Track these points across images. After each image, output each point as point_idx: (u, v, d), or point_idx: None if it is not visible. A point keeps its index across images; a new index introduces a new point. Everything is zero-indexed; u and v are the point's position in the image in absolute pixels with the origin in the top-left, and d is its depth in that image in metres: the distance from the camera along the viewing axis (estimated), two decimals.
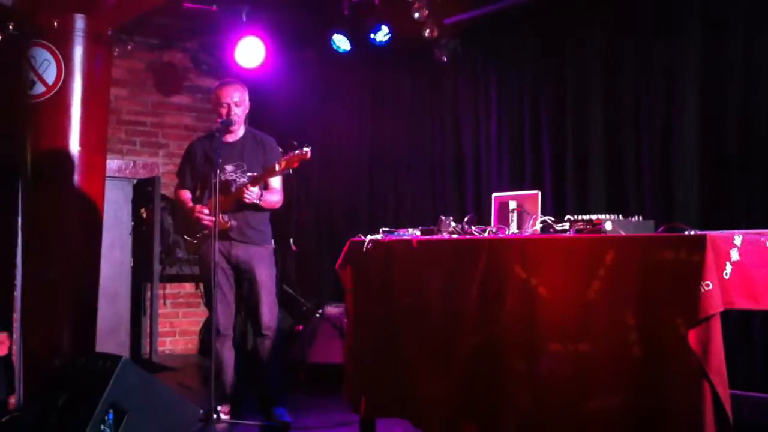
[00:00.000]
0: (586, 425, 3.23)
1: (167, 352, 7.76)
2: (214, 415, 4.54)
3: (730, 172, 4.68)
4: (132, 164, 7.59)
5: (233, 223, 4.77)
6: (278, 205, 4.91)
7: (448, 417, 3.86)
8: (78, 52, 5.36)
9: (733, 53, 4.70)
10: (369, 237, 4.43)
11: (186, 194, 5.00)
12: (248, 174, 4.79)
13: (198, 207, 4.84)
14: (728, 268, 2.92)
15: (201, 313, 7.76)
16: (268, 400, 4.82)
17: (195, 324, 7.93)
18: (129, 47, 7.14)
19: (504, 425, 3.57)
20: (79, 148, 5.35)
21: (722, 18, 4.78)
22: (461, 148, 6.43)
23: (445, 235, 4.11)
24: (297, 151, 4.60)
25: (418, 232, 4.30)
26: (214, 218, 4.63)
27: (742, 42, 4.67)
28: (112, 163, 6.82)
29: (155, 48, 7.87)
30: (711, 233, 2.98)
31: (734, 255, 2.95)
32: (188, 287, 7.86)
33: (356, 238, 4.51)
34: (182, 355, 7.73)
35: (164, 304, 7.50)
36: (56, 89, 5.30)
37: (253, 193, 4.69)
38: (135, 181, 7.34)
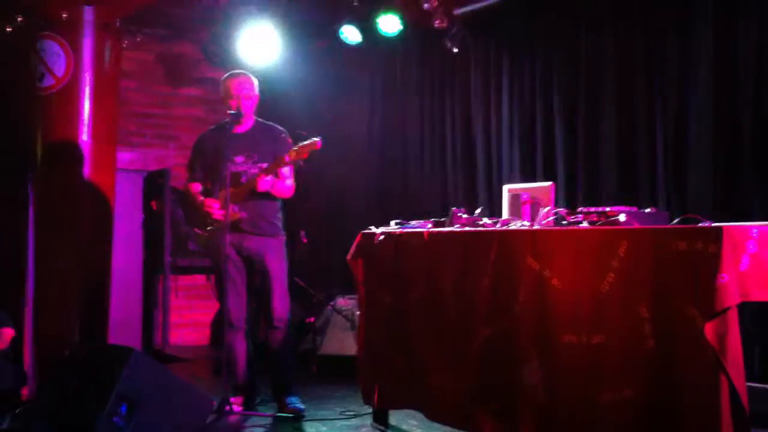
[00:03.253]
0: (600, 417, 3.23)
1: (179, 343, 7.76)
2: (227, 407, 4.54)
3: (745, 162, 4.64)
4: (142, 156, 7.59)
5: (243, 214, 4.76)
6: (290, 193, 4.89)
7: (462, 409, 3.86)
8: (87, 44, 5.36)
9: (748, 42, 4.66)
10: (381, 229, 4.42)
11: (196, 187, 4.98)
12: (259, 164, 4.78)
13: (208, 201, 4.82)
14: (745, 260, 2.90)
15: (213, 305, 7.73)
16: (280, 390, 4.82)
17: (207, 316, 7.92)
18: (138, 39, 7.12)
19: (519, 417, 3.57)
20: (90, 140, 5.36)
21: (736, 6, 4.73)
22: (472, 138, 6.41)
23: (457, 228, 4.10)
24: (307, 142, 4.59)
25: (429, 225, 4.29)
26: (224, 211, 4.62)
27: (757, 30, 4.62)
28: (123, 155, 6.79)
29: (165, 39, 7.84)
30: (727, 225, 2.96)
31: (751, 247, 2.93)
32: (200, 279, 7.85)
33: (367, 231, 4.51)
34: (194, 347, 7.73)
35: (176, 295, 7.50)
36: (66, 81, 5.30)
37: (267, 181, 4.68)
38: (146, 173, 7.33)
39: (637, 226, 3.33)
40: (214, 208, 4.77)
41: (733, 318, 2.87)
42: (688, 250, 2.98)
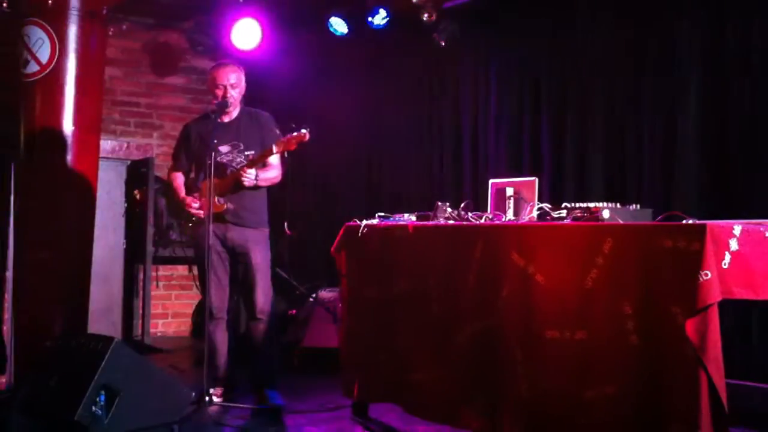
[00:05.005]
0: (583, 413, 3.24)
1: (159, 334, 7.73)
2: (207, 398, 4.52)
3: (730, 161, 4.66)
4: (126, 145, 7.54)
5: (230, 205, 4.73)
6: (277, 180, 4.88)
7: (445, 404, 3.86)
8: (72, 31, 5.31)
9: (736, 39, 4.67)
10: (364, 222, 4.41)
11: (178, 178, 4.96)
12: (246, 153, 4.75)
13: (189, 199, 4.81)
14: (727, 257, 2.92)
15: (194, 296, 7.73)
16: (261, 383, 4.81)
17: (188, 306, 7.91)
18: (124, 27, 7.06)
19: (502, 412, 3.57)
20: (73, 128, 5.31)
21: (724, 4, 4.74)
22: (459, 132, 6.40)
23: (442, 221, 4.10)
24: (295, 133, 4.57)
25: (413, 218, 4.28)
26: (205, 206, 4.60)
27: (744, 28, 4.63)
28: (106, 144, 6.77)
29: (151, 28, 7.80)
30: (710, 222, 2.97)
31: (733, 245, 2.94)
32: (181, 269, 7.82)
33: (351, 223, 4.49)
34: (174, 338, 7.71)
35: (157, 286, 7.46)
36: (50, 68, 5.25)
37: (251, 176, 4.66)
38: (129, 162, 7.29)
39: (621, 222, 3.34)
40: (193, 207, 4.76)
41: (713, 315, 2.88)
42: (671, 247, 2.99)
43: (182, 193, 4.90)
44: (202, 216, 4.68)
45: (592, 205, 3.54)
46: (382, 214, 4.46)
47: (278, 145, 4.61)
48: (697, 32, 4.85)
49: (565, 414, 3.31)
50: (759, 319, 4.48)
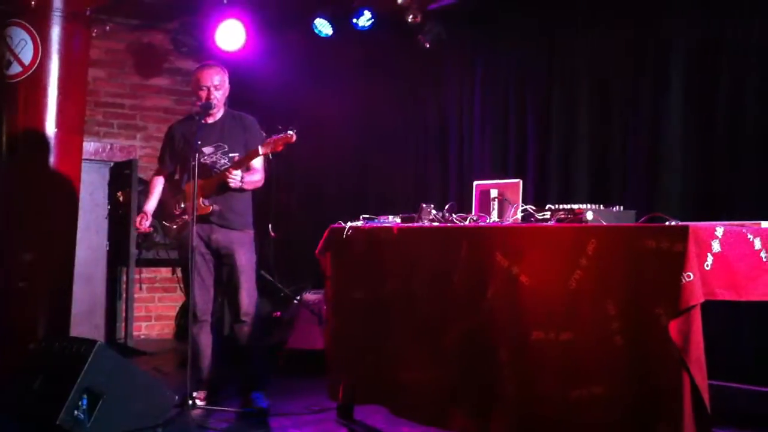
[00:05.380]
0: (570, 413, 3.25)
1: (142, 336, 7.70)
2: (190, 401, 4.50)
3: (714, 162, 4.69)
4: (109, 147, 7.49)
5: (215, 207, 4.72)
6: (260, 184, 4.87)
7: (432, 405, 3.86)
8: (55, 32, 5.28)
9: (722, 40, 4.70)
10: (349, 224, 4.41)
11: (156, 185, 4.96)
12: (230, 155, 4.74)
13: (138, 217, 4.87)
14: (709, 259, 2.94)
15: (177, 298, 7.71)
16: (245, 386, 4.79)
17: (171, 309, 7.88)
18: (108, 28, 7.03)
19: (490, 413, 3.57)
20: (56, 130, 5.28)
21: (710, 4, 4.77)
22: (444, 134, 6.41)
23: (426, 223, 4.10)
24: (282, 135, 4.56)
25: (398, 220, 4.28)
26: (189, 208, 4.60)
27: (731, 28, 4.67)
28: (89, 146, 6.72)
29: (135, 29, 7.77)
30: (693, 224, 2.99)
31: (716, 246, 2.96)
32: (165, 272, 7.80)
33: (336, 225, 4.49)
34: (158, 340, 7.68)
35: (140, 288, 7.43)
36: (33, 69, 5.22)
37: (236, 177, 4.65)
38: (112, 164, 7.24)
39: (604, 224, 3.35)
40: (139, 227, 4.86)
41: (696, 316, 2.90)
42: (655, 248, 3.00)
43: (148, 203, 4.92)
44: (187, 218, 4.67)
45: (575, 206, 3.55)
46: (367, 216, 4.46)
47: (264, 146, 4.60)
48: (686, 30, 4.87)
49: (552, 415, 3.31)
50: (741, 321, 4.50)
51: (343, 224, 4.44)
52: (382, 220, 4.35)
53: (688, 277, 2.87)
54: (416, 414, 4.03)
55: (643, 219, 3.39)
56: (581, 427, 3.23)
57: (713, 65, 4.73)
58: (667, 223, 3.12)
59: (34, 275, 5.18)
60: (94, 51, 6.37)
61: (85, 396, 3.84)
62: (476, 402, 3.66)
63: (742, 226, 3.13)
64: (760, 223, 3.15)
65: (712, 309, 3.06)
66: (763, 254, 3.06)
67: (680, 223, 3.06)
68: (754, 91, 4.56)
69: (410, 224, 4.16)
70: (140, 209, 5.02)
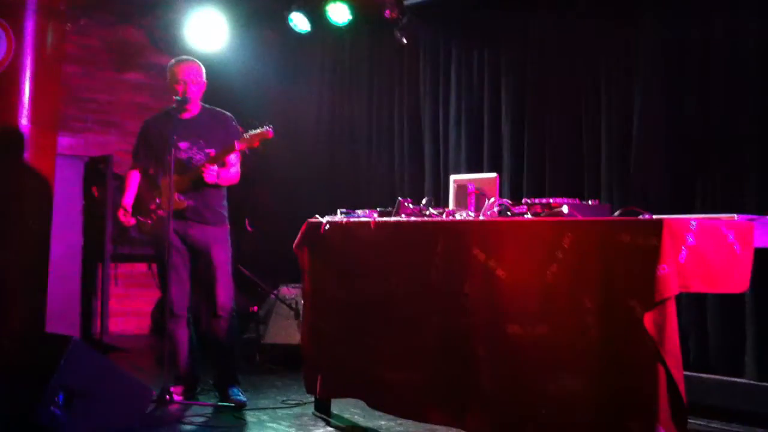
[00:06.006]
0: (547, 407, 3.27)
1: (118, 332, 7.64)
2: (168, 396, 4.48)
3: (688, 156, 4.74)
4: (84, 142, 7.44)
5: (190, 202, 4.70)
6: (236, 180, 4.86)
7: (409, 398, 3.88)
8: (29, 27, 5.22)
9: (694, 36, 4.75)
10: (326, 218, 4.41)
11: (132, 179, 4.93)
12: (206, 150, 4.73)
13: (120, 212, 4.82)
14: (684, 252, 2.97)
15: (153, 294, 7.62)
16: (223, 380, 4.78)
17: (147, 304, 7.81)
18: (83, 23, 6.97)
19: (468, 407, 3.59)
20: (30, 125, 5.22)
21: (684, 2, 4.82)
22: (420, 129, 6.43)
23: (403, 218, 4.11)
24: (259, 131, 4.56)
25: (375, 214, 4.29)
26: (165, 203, 4.57)
27: (702, 24, 4.71)
28: (63, 141, 6.66)
29: (110, 24, 7.69)
30: (667, 217, 3.02)
31: (690, 239, 2.99)
32: (140, 267, 7.72)
33: (313, 219, 4.49)
34: (134, 336, 7.62)
35: (116, 284, 7.36)
36: (6, 64, 5.15)
37: (213, 172, 4.63)
38: (87, 159, 7.18)
39: (580, 218, 3.38)
40: (122, 219, 4.84)
41: (671, 309, 2.92)
42: (630, 242, 3.03)
43: (126, 197, 4.90)
44: (162, 214, 4.65)
45: (552, 200, 3.58)
46: (344, 210, 4.46)
47: (241, 142, 4.60)
48: (658, 24, 4.91)
49: (529, 408, 3.33)
50: (714, 312, 4.56)
51: (320, 218, 4.44)
52: (359, 215, 4.36)
53: (663, 269, 2.89)
54: (394, 407, 4.05)
55: (618, 213, 3.42)
56: (558, 420, 3.25)
57: (684, 60, 4.77)
58: (641, 216, 3.15)
59: (7, 272, 5.13)
60: (69, 46, 6.31)
61: (61, 392, 3.81)
62: (453, 395, 3.67)
63: (716, 219, 3.17)
64: (733, 216, 3.19)
65: (679, 301, 3.08)
66: (736, 247, 3.09)
67: (655, 217, 3.09)
68: (722, 87, 4.61)
69: (388, 218, 4.16)
70: (117, 205, 4.99)
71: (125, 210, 4.86)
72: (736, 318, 4.46)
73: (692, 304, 4.53)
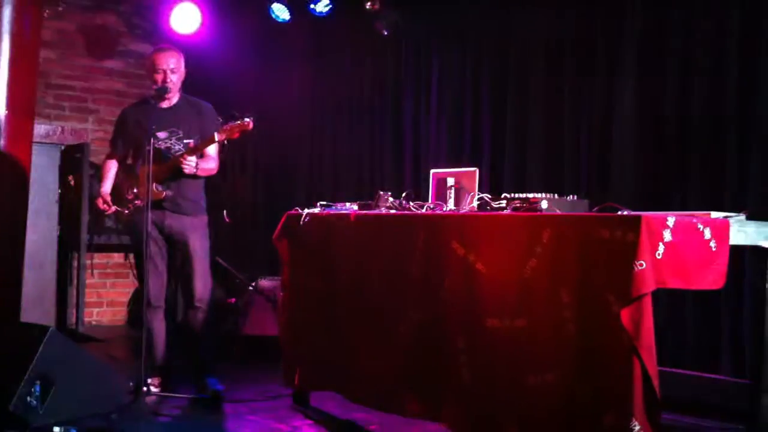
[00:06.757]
0: (524, 400, 3.29)
1: (94, 323, 7.60)
2: (144, 388, 4.46)
3: (666, 153, 4.78)
4: (60, 130, 7.36)
5: (168, 193, 4.68)
6: (214, 172, 4.84)
7: (386, 391, 3.88)
8: (6, 12, 5.13)
9: (672, 34, 4.78)
10: (306, 210, 4.40)
11: (110, 168, 4.90)
12: (185, 140, 4.70)
13: (99, 200, 4.81)
14: (661, 248, 2.99)
15: (129, 284, 7.62)
16: (200, 371, 4.77)
17: (123, 295, 7.79)
18: (60, 8, 6.89)
19: (444, 400, 3.61)
20: (6, 112, 5.15)
21: (665, 2, 4.85)
22: (401, 122, 6.43)
23: (384, 211, 4.11)
24: (238, 122, 4.54)
25: (355, 207, 4.29)
26: (143, 193, 4.55)
27: (681, 22, 4.74)
28: (39, 128, 6.58)
29: (87, 10, 7.62)
30: (645, 213, 3.04)
31: (667, 235, 3.01)
32: (117, 257, 7.70)
33: (293, 211, 4.48)
34: (110, 326, 7.59)
35: (92, 274, 7.32)
36: None
37: (191, 163, 4.60)
38: (63, 147, 7.12)
39: (559, 213, 3.40)
40: (105, 206, 4.80)
41: (647, 304, 2.95)
42: (608, 237, 3.05)
43: (104, 185, 4.87)
44: (140, 203, 4.63)
45: (531, 195, 3.60)
46: (324, 202, 4.46)
47: (221, 132, 4.58)
48: (637, 22, 4.94)
49: (507, 401, 3.35)
50: (691, 308, 4.61)
51: (300, 210, 4.43)
52: (339, 207, 4.35)
53: (641, 265, 2.91)
54: (370, 400, 4.06)
55: (596, 209, 3.44)
56: (536, 413, 3.27)
57: (663, 58, 4.81)
58: (620, 212, 3.17)
59: None
60: (45, 32, 6.23)
61: (37, 383, 3.78)
62: (432, 389, 3.69)
63: (692, 216, 3.19)
64: (709, 214, 3.22)
65: (656, 297, 3.11)
66: (712, 244, 3.12)
67: (633, 213, 3.12)
68: (701, 84, 4.65)
69: (367, 212, 4.17)
70: (93, 194, 4.96)
71: (104, 199, 4.83)
72: (711, 314, 4.52)
73: (669, 301, 4.57)
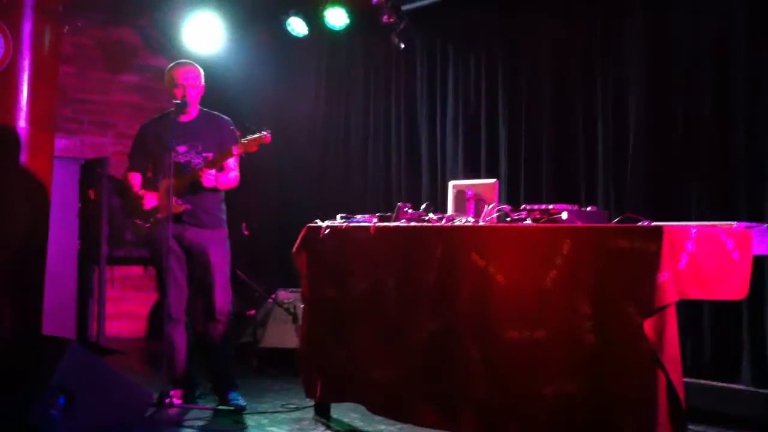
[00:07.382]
0: (541, 411, 3.29)
1: (114, 335, 7.64)
2: (167, 400, 4.48)
3: (681, 162, 4.76)
4: (79, 143, 7.44)
5: (187, 206, 4.70)
6: (235, 184, 4.86)
7: (405, 402, 3.89)
8: (27, 28, 5.23)
9: (679, 38, 4.79)
10: (326, 223, 4.42)
11: (135, 178, 4.91)
12: (204, 154, 4.73)
13: (145, 194, 4.77)
14: (684, 259, 2.99)
15: (149, 297, 7.65)
16: (221, 385, 4.78)
17: (143, 307, 7.82)
18: (79, 24, 6.96)
19: (460, 411, 3.61)
20: (27, 126, 5.23)
21: (669, 5, 4.85)
22: (417, 134, 6.44)
23: (403, 223, 4.12)
24: (256, 135, 4.56)
25: (375, 219, 4.30)
26: (163, 207, 4.57)
27: (689, 26, 4.74)
28: (59, 142, 6.66)
29: (105, 24, 7.69)
30: (667, 224, 3.04)
31: (690, 246, 3.01)
32: (136, 270, 7.74)
33: (312, 224, 4.50)
34: (129, 339, 7.62)
35: (112, 286, 7.37)
36: (4, 65, 5.18)
37: (211, 177, 4.63)
38: (83, 161, 7.19)
39: (579, 224, 3.40)
40: (147, 203, 4.75)
41: (671, 315, 2.95)
42: (629, 248, 3.05)
43: (135, 191, 4.85)
44: (160, 217, 4.66)
45: (551, 206, 3.60)
46: (344, 215, 4.47)
47: (239, 146, 4.60)
48: (643, 27, 4.95)
49: (523, 411, 3.35)
50: (709, 318, 4.58)
51: (319, 223, 4.45)
52: (358, 220, 4.36)
53: (663, 276, 2.92)
54: (389, 411, 4.06)
55: (616, 219, 3.45)
56: (552, 425, 3.27)
57: (672, 62, 4.81)
58: (640, 223, 3.17)
59: (2, 274, 5.12)
60: (64, 46, 6.29)
61: (60, 395, 3.81)
62: (448, 399, 3.69)
63: (714, 226, 3.19)
64: (731, 224, 3.22)
65: (676, 306, 3.10)
66: (735, 254, 3.12)
67: (653, 224, 3.12)
68: (710, 91, 4.64)
69: (387, 223, 4.18)
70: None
71: (145, 193, 4.79)
72: (733, 324, 4.49)
73: (689, 310, 4.55)
